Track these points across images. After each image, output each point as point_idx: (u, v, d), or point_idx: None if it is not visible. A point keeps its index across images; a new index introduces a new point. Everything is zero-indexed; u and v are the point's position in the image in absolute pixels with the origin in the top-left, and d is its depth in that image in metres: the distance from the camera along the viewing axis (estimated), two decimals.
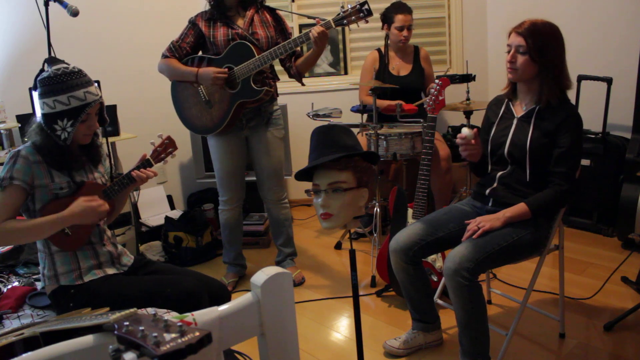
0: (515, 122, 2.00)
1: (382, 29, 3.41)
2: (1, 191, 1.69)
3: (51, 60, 1.75)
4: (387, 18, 3.35)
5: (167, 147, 2.00)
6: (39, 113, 1.79)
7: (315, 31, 2.38)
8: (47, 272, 1.78)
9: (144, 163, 1.93)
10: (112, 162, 3.17)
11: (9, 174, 1.69)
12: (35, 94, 1.78)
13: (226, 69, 2.54)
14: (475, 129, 1.98)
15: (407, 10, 3.31)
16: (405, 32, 3.31)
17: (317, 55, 2.55)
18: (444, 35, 4.11)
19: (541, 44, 1.85)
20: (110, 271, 1.85)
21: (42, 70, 1.85)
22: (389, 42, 3.42)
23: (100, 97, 1.77)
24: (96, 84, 1.78)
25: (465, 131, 1.96)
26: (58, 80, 1.69)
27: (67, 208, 1.70)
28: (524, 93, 2.00)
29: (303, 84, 2.79)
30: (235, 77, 2.55)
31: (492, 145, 2.05)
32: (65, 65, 1.74)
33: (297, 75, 2.68)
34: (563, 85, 1.92)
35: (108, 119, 1.91)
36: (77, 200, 1.72)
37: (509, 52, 1.91)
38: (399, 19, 3.28)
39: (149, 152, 1.97)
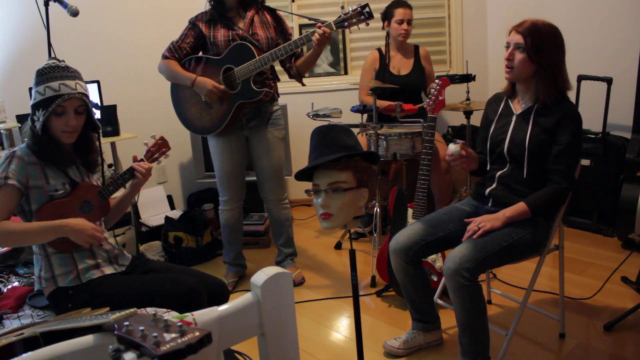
0: (514, 119, 2.00)
1: (383, 27, 3.43)
2: None
3: (50, 59, 1.78)
4: (387, 14, 3.38)
5: (160, 148, 1.99)
6: None
7: (319, 33, 2.37)
8: (44, 274, 1.78)
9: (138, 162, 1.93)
10: (115, 164, 3.17)
11: (4, 173, 1.68)
12: None
13: (223, 85, 2.55)
14: (462, 142, 1.98)
15: (407, 5, 3.35)
16: (405, 26, 3.32)
17: (317, 56, 2.55)
18: (444, 35, 4.11)
19: (540, 44, 1.85)
20: (108, 271, 1.84)
21: None
22: (389, 40, 3.43)
23: (80, 93, 1.71)
24: (83, 83, 1.75)
25: (451, 148, 1.98)
26: (42, 73, 1.71)
27: (66, 218, 1.70)
28: (523, 92, 2.00)
29: (303, 84, 2.79)
30: (236, 78, 2.55)
31: (492, 143, 2.05)
32: (54, 61, 1.74)
33: (297, 76, 2.68)
34: (561, 88, 1.91)
35: (100, 125, 1.88)
36: (80, 218, 1.73)
37: (507, 48, 1.92)
38: (399, 12, 3.31)
39: (142, 153, 1.97)
